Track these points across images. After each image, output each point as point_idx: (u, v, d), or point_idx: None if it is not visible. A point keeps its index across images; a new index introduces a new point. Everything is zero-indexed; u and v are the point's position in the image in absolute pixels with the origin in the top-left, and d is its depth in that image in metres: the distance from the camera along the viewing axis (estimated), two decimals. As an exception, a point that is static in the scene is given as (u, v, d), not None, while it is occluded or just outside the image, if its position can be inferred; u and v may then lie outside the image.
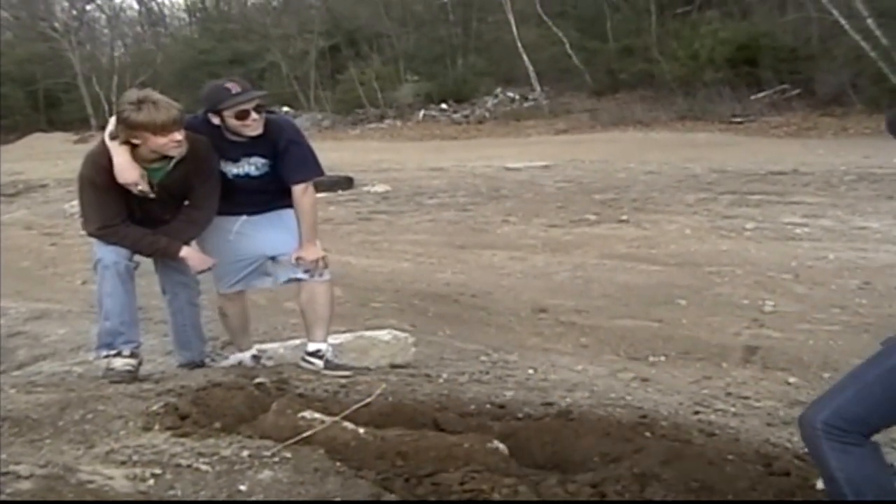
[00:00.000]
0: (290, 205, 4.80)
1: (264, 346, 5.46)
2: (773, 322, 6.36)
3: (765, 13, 28.28)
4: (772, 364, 5.45)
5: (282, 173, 4.72)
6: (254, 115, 4.50)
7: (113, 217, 4.46)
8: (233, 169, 4.69)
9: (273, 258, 4.88)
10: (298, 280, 4.86)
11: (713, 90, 25.74)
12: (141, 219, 4.55)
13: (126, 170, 4.34)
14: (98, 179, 4.39)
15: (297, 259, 4.77)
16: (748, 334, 6.14)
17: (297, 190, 4.73)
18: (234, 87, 4.49)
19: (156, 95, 4.30)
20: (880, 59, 22.21)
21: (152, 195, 4.45)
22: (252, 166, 4.69)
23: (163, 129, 4.24)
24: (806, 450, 3.70)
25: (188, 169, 4.50)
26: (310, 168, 4.77)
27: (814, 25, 25.62)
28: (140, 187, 4.39)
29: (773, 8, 28.27)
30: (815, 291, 7.02)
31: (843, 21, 22.96)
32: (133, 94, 4.37)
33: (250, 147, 4.63)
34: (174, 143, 4.31)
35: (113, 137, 4.35)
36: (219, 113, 4.51)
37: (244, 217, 4.81)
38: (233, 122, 4.50)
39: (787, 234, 9.54)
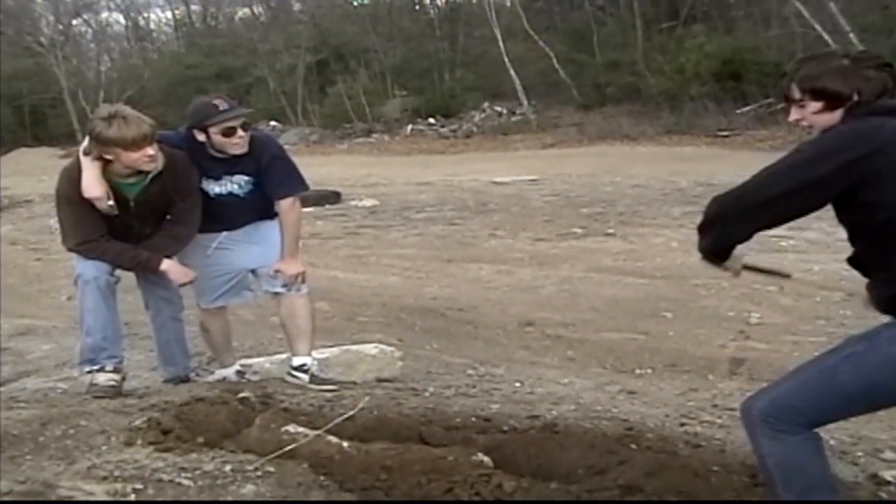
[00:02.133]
0: (270, 216, 4.81)
1: (250, 361, 5.44)
2: (759, 334, 6.38)
3: (749, 28, 28.47)
4: (758, 376, 5.46)
5: (267, 189, 4.71)
6: (240, 132, 4.49)
7: (92, 232, 4.44)
8: (215, 188, 4.68)
9: (253, 271, 4.87)
10: (277, 294, 4.85)
11: (699, 104, 25.85)
12: (121, 234, 4.53)
13: (91, 185, 4.32)
14: (73, 195, 4.37)
15: (276, 272, 4.77)
16: (734, 346, 6.16)
17: (284, 205, 4.73)
18: (221, 104, 4.49)
19: (127, 111, 4.29)
20: (863, 73, 22.32)
21: (115, 212, 4.42)
22: (235, 185, 4.68)
23: (133, 144, 4.22)
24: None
25: (166, 184, 4.49)
26: (295, 183, 4.78)
27: (798, 41, 25.72)
28: (104, 204, 4.36)
29: (758, 23, 28.46)
30: (801, 303, 7.04)
31: (826, 36, 23.09)
32: (104, 109, 4.37)
33: (234, 165, 4.62)
34: (146, 157, 4.29)
35: (87, 153, 4.34)
36: (205, 130, 4.49)
37: (225, 233, 4.81)
38: (219, 140, 4.49)
39: (772, 247, 9.55)
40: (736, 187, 2.74)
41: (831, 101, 2.72)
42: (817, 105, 2.75)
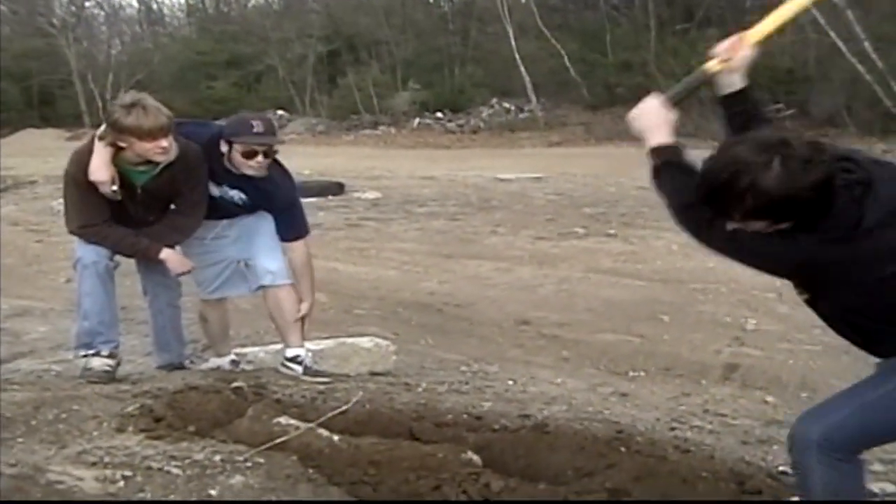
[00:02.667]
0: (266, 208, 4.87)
1: (244, 350, 5.47)
2: (754, 341, 6.38)
3: (764, 33, 28.34)
4: (751, 382, 5.48)
5: (278, 229, 4.82)
6: (260, 157, 4.51)
7: (95, 216, 4.45)
8: (215, 190, 4.71)
9: (246, 263, 4.90)
10: (262, 287, 4.88)
11: (708, 108, 25.75)
12: (124, 220, 4.54)
13: (98, 169, 4.33)
14: (81, 178, 4.38)
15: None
16: (729, 352, 6.16)
17: (297, 247, 4.85)
18: (257, 126, 4.50)
19: (148, 101, 4.28)
20: (876, 82, 22.30)
21: (117, 197, 4.44)
22: (234, 194, 4.72)
23: (149, 134, 4.23)
24: (781, 468, 3.73)
25: (176, 175, 4.50)
26: (303, 226, 4.89)
27: (811, 47, 25.70)
28: (108, 189, 4.37)
29: (773, 28, 28.34)
30: (798, 311, 6.97)
31: (840, 44, 23.05)
32: (127, 96, 4.38)
33: (240, 181, 4.64)
34: (159, 149, 4.30)
35: (102, 138, 4.35)
36: (230, 143, 4.52)
37: (225, 221, 4.85)
38: (237, 158, 4.52)
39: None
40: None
41: (776, 220, 2.50)
42: (760, 224, 2.52)
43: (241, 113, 4.84)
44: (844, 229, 2.46)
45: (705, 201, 2.60)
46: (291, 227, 4.82)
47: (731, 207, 2.52)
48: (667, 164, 2.84)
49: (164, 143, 4.29)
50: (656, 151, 2.88)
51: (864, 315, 2.66)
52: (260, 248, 4.84)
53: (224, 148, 4.54)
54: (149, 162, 4.41)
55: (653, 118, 2.93)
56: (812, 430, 2.71)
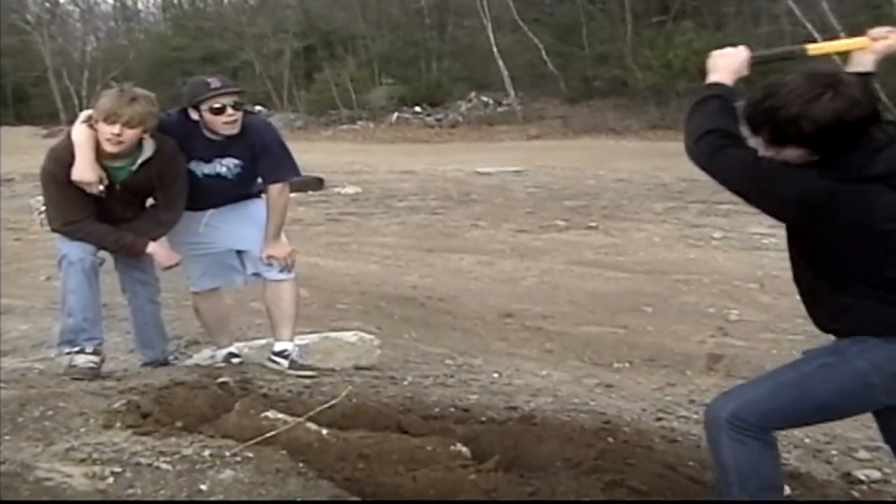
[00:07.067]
0: (257, 195, 4.84)
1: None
2: (738, 331, 6.41)
3: (739, 25, 28.52)
4: (735, 372, 5.50)
5: (259, 173, 4.73)
6: (230, 111, 4.46)
7: (78, 213, 4.42)
8: (204, 168, 4.66)
9: (240, 253, 4.87)
10: (263, 278, 4.85)
11: (686, 100, 25.83)
12: (103, 216, 4.51)
13: (84, 169, 4.30)
14: (60, 175, 4.35)
15: (269, 257, 4.77)
16: (713, 342, 6.19)
17: (274, 189, 4.75)
18: (213, 82, 4.47)
19: (137, 90, 4.36)
20: (853, 72, 22.41)
21: (103, 195, 4.41)
22: (224, 167, 4.66)
23: (106, 117, 4.26)
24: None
25: (153, 170, 4.48)
26: (287, 169, 4.78)
27: (787, 38, 25.81)
28: (95, 189, 4.35)
29: (748, 20, 28.52)
30: (780, 301, 7.07)
31: (816, 35, 23.14)
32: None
33: (225, 147, 4.60)
34: (110, 134, 4.29)
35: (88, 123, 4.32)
36: (197, 107, 4.49)
37: (211, 210, 4.81)
38: (209, 118, 4.46)
39: (753, 244, 9.62)
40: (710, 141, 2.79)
41: (813, 149, 2.59)
42: (795, 153, 2.61)
43: (193, 78, 4.80)
44: (854, 170, 2.56)
45: (752, 122, 2.71)
46: (279, 163, 4.74)
47: (776, 132, 2.62)
48: (713, 97, 2.90)
49: (115, 129, 4.27)
50: (710, 86, 2.95)
51: (832, 276, 2.72)
52: (253, 237, 4.81)
53: (195, 116, 4.51)
54: (126, 157, 4.39)
55: (729, 62, 2.99)
56: (723, 408, 2.79)
